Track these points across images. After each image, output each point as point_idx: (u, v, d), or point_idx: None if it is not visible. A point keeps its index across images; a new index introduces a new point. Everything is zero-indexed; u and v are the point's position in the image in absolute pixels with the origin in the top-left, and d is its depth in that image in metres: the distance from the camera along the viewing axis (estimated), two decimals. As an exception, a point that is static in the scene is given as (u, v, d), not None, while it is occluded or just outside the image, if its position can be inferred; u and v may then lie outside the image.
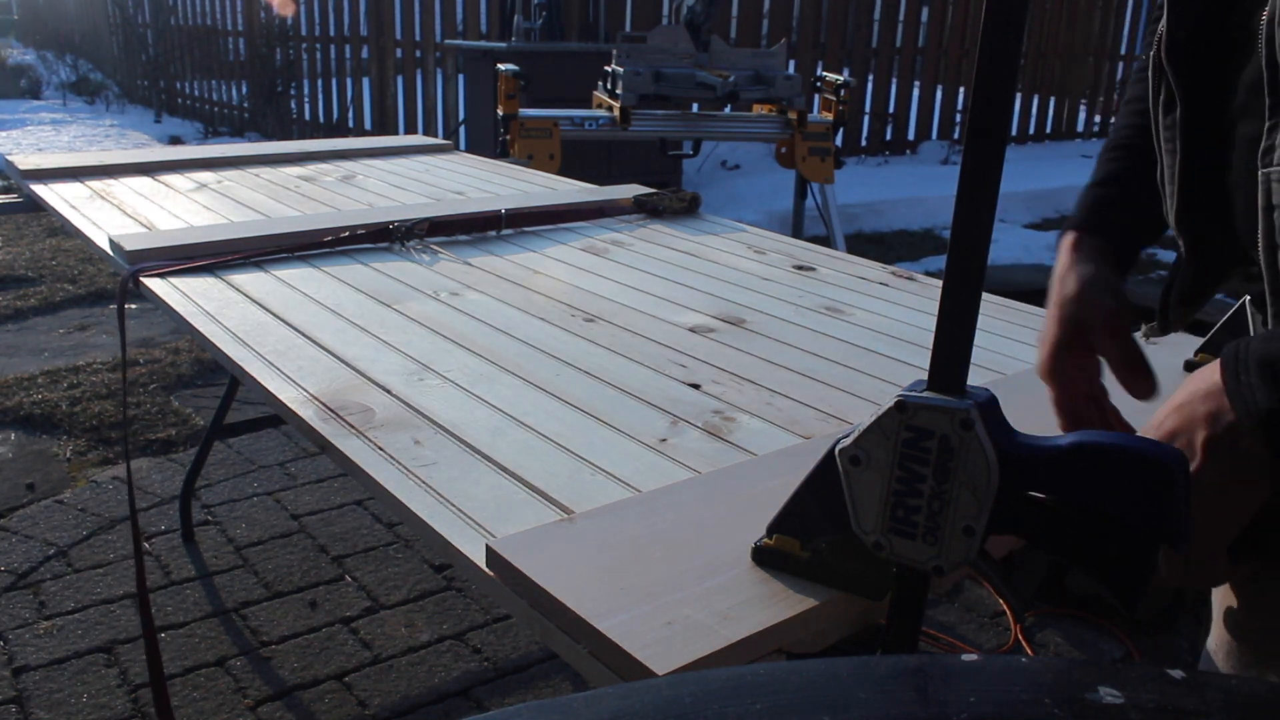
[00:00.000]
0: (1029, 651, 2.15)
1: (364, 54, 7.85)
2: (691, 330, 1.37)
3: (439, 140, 2.93)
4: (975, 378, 0.65)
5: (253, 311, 1.38)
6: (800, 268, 1.73)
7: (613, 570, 0.75)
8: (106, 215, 1.91)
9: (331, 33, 8.04)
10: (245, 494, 2.71)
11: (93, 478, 2.77)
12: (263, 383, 1.14)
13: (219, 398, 2.37)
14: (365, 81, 7.86)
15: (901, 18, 7.89)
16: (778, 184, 6.25)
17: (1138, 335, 0.82)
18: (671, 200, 2.07)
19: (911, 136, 8.12)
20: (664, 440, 1.02)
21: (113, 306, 4.20)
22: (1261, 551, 0.70)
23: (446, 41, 7.01)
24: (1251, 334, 0.66)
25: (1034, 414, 1.03)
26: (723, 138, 5.22)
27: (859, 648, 0.75)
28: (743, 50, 4.69)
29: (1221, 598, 0.82)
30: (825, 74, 4.87)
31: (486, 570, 0.79)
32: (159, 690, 1.49)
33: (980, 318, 0.64)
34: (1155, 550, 0.61)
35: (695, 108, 5.60)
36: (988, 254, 0.64)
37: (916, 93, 8.11)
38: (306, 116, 8.26)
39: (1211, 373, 0.64)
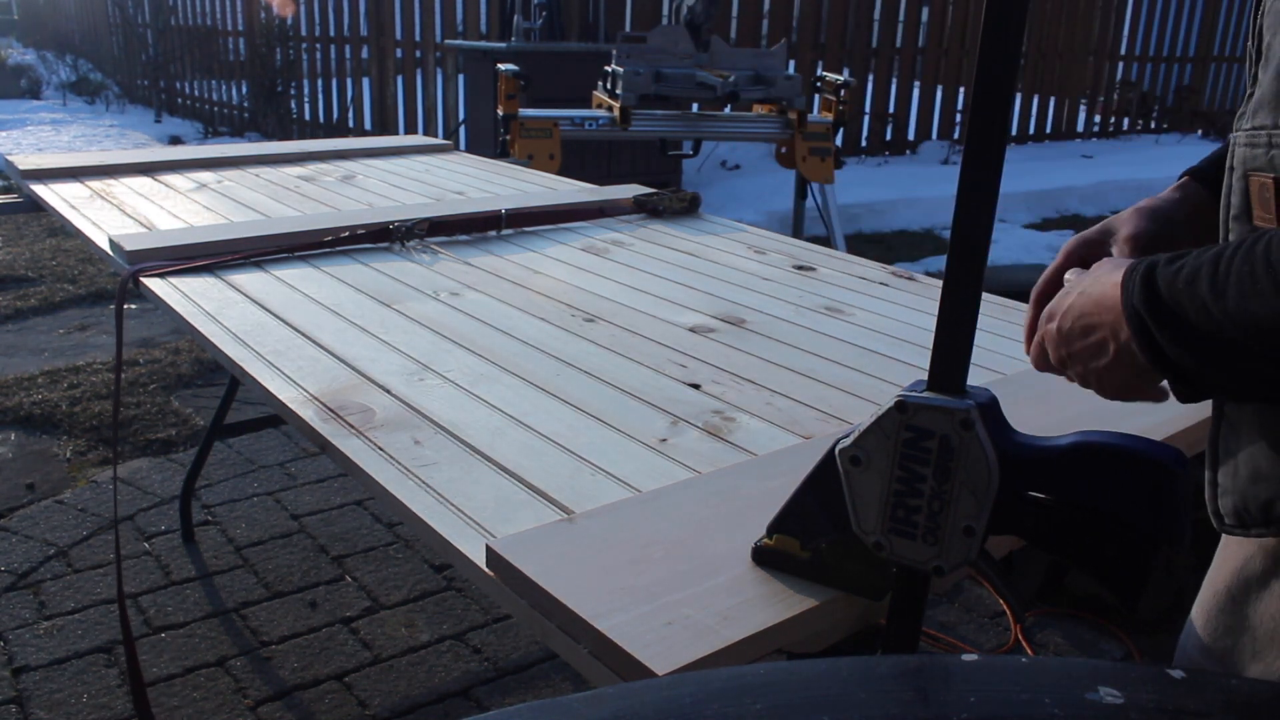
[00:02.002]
0: (1029, 651, 2.15)
1: (364, 54, 7.85)
2: (691, 330, 1.37)
3: (439, 140, 2.93)
4: (975, 378, 0.65)
5: (253, 311, 1.38)
6: (800, 268, 1.73)
7: (613, 570, 0.75)
8: (106, 215, 1.91)
9: (331, 33, 8.03)
10: (245, 494, 2.71)
11: (93, 478, 2.77)
12: (263, 383, 1.14)
13: (219, 398, 2.37)
14: (365, 81, 7.86)
15: (901, 18, 7.89)
16: (778, 184, 6.25)
17: None
18: (671, 200, 2.07)
19: (911, 136, 8.12)
20: (664, 440, 1.02)
21: (113, 306, 4.20)
22: None
23: (446, 41, 7.00)
24: None
25: (1034, 414, 1.03)
26: (723, 138, 5.22)
27: (859, 648, 0.75)
28: (743, 50, 4.69)
29: (1221, 564, 0.81)
30: (825, 74, 4.87)
31: (486, 570, 0.79)
32: (139, 694, 1.48)
33: (980, 318, 0.65)
34: (1155, 550, 0.61)
35: (695, 108, 5.60)
36: (988, 254, 0.64)
37: (916, 93, 8.11)
38: (306, 116, 8.26)
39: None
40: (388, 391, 1.12)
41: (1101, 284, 0.67)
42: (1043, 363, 0.76)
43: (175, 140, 8.24)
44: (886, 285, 1.64)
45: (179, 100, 9.54)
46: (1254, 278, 0.56)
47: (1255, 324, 0.56)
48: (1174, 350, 0.60)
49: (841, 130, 4.94)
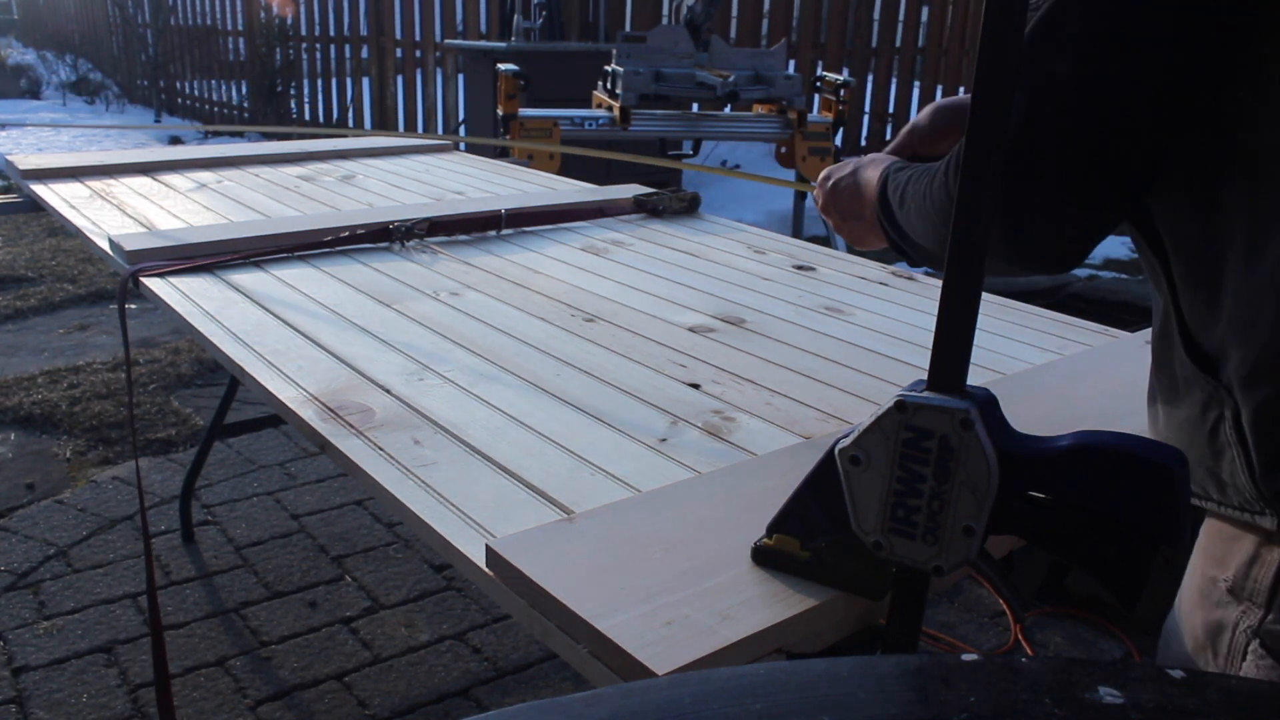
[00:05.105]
0: (1029, 651, 2.15)
1: (364, 54, 7.85)
2: (691, 330, 1.37)
3: (439, 140, 2.93)
4: (975, 378, 0.65)
5: (253, 311, 1.38)
6: (800, 268, 1.73)
7: (613, 570, 0.75)
8: (106, 215, 1.91)
9: (331, 33, 8.04)
10: (245, 494, 2.71)
11: (93, 478, 2.77)
12: (263, 383, 1.14)
13: (219, 398, 2.37)
14: (365, 81, 7.86)
15: (901, 18, 7.89)
16: (778, 184, 6.24)
17: None
18: (671, 200, 2.07)
19: (911, 137, 8.11)
20: (664, 440, 1.02)
21: (113, 306, 4.20)
22: None
23: (446, 41, 7.01)
24: None
25: (1034, 414, 1.03)
26: (723, 138, 5.22)
27: (859, 648, 0.75)
28: (743, 50, 4.70)
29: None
30: (825, 74, 4.87)
31: (486, 570, 0.79)
32: (163, 690, 1.49)
33: (980, 318, 0.64)
34: (1154, 550, 0.61)
35: (695, 108, 5.60)
36: (988, 254, 0.64)
37: (916, 93, 8.10)
38: (306, 116, 8.26)
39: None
40: (388, 391, 1.12)
41: (869, 173, 0.97)
42: (819, 204, 1.07)
43: (175, 140, 8.25)
44: (886, 285, 1.64)
45: (179, 100, 9.54)
46: (915, 205, 0.84)
47: (913, 231, 0.86)
48: (889, 229, 0.91)
49: (841, 130, 4.94)
